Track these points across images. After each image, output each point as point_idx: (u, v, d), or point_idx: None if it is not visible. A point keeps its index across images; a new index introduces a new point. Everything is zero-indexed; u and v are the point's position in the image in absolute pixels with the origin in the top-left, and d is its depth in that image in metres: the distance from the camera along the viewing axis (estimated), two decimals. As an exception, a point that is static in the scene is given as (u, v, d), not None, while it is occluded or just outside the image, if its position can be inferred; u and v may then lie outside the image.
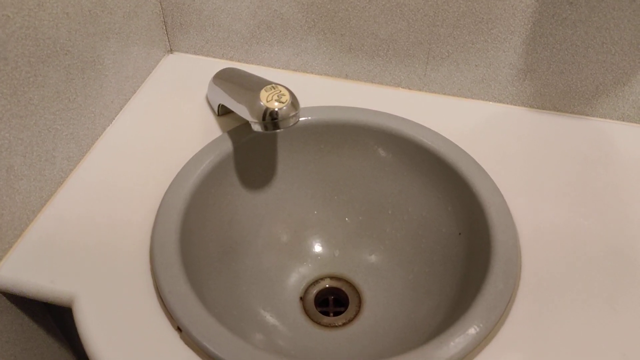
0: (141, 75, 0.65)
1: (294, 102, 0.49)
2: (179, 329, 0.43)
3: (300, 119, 0.59)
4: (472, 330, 0.42)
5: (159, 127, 0.60)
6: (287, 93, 0.49)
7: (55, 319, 0.56)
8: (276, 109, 0.48)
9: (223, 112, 0.61)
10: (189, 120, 0.61)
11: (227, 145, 0.56)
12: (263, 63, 0.68)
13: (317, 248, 0.63)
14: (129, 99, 0.63)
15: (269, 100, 0.48)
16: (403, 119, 0.59)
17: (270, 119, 0.49)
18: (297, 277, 0.61)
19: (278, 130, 0.51)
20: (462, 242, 0.54)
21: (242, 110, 0.51)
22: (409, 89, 0.65)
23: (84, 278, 0.46)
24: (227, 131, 0.58)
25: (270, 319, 0.56)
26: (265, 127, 0.49)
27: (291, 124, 0.50)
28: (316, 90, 0.65)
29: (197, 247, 0.52)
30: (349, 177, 0.62)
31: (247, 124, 0.58)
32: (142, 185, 0.53)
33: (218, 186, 0.56)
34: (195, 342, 0.41)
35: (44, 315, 0.54)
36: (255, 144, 0.58)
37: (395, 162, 0.59)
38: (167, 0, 0.65)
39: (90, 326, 0.43)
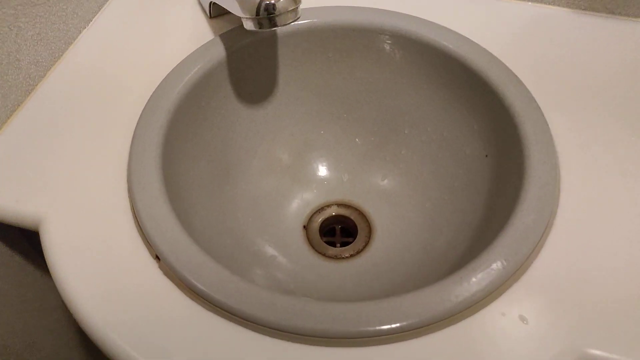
0: (122, -29, 0.56)
1: (294, -7, 0.41)
2: (157, 257, 0.37)
3: (305, 21, 0.50)
4: (497, 265, 0.35)
5: (143, 31, 0.52)
6: (284, -18, 0.41)
7: (32, 244, 0.51)
8: (272, 1, 0.40)
9: (216, 13, 0.53)
10: (177, 23, 0.53)
11: (220, 51, 0.49)
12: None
13: (323, 172, 0.56)
14: (109, -3, 0.55)
15: (263, -10, 0.40)
16: (424, 20, 0.50)
17: (266, 13, 0.41)
18: (301, 203, 0.55)
19: (275, 29, 0.43)
20: (488, 165, 0.47)
21: (232, 6, 0.43)
22: (434, -13, 0.56)
23: (53, 197, 0.40)
24: (220, 35, 0.50)
25: (268, 249, 0.50)
26: (260, 25, 0.41)
27: (290, 20, 0.41)
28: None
29: (184, 168, 0.46)
30: (361, 91, 0.54)
31: (242, 26, 0.50)
32: (121, 96, 0.47)
33: (209, 98, 0.49)
34: (175, 272, 0.36)
35: (19, 239, 0.49)
36: (253, 50, 0.51)
37: (414, 73, 0.51)
38: None
39: (58, 251, 0.38)
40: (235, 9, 0.42)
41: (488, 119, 0.47)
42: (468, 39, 0.49)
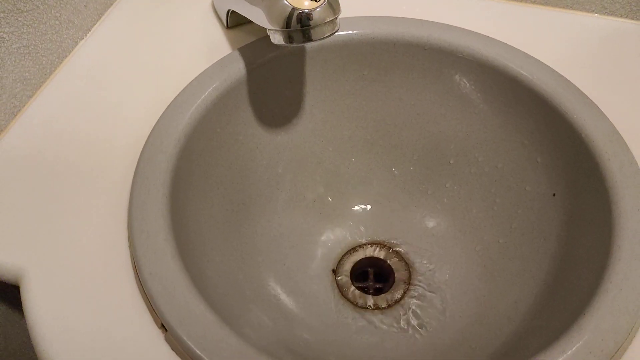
0: (127, -27, 0.49)
1: (333, 1, 0.34)
2: (163, 328, 0.30)
3: (339, 33, 0.43)
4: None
5: (149, 42, 0.45)
6: (322, -12, 0.34)
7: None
8: (307, 10, 0.33)
9: (234, 23, 0.45)
10: (189, 35, 0.46)
11: (238, 68, 0.41)
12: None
13: (355, 206, 0.49)
14: (112, 2, 0.48)
15: (297, -2, 0.33)
16: (480, 35, 0.43)
17: (299, 25, 0.33)
18: (328, 243, 0.48)
19: (309, 44, 0.36)
20: (557, 206, 0.39)
21: (257, 16, 0.35)
22: (485, -5, 0.48)
23: (37, 248, 0.33)
24: (239, 48, 0.43)
25: (291, 300, 0.43)
26: (290, 38, 0.34)
27: (327, 33, 0.34)
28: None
29: (195, 207, 0.38)
30: (399, 114, 0.47)
31: (265, 38, 0.43)
32: (121, 123, 0.39)
33: (225, 123, 0.42)
34: (185, 347, 0.28)
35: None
36: (276, 67, 0.43)
37: (464, 95, 0.44)
38: None
39: (41, 314, 0.31)
40: (260, 19, 0.35)
41: (557, 152, 0.40)
42: (532, 56, 0.41)
